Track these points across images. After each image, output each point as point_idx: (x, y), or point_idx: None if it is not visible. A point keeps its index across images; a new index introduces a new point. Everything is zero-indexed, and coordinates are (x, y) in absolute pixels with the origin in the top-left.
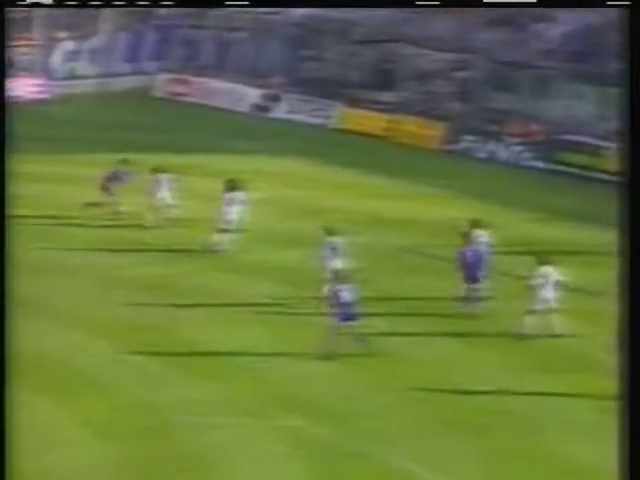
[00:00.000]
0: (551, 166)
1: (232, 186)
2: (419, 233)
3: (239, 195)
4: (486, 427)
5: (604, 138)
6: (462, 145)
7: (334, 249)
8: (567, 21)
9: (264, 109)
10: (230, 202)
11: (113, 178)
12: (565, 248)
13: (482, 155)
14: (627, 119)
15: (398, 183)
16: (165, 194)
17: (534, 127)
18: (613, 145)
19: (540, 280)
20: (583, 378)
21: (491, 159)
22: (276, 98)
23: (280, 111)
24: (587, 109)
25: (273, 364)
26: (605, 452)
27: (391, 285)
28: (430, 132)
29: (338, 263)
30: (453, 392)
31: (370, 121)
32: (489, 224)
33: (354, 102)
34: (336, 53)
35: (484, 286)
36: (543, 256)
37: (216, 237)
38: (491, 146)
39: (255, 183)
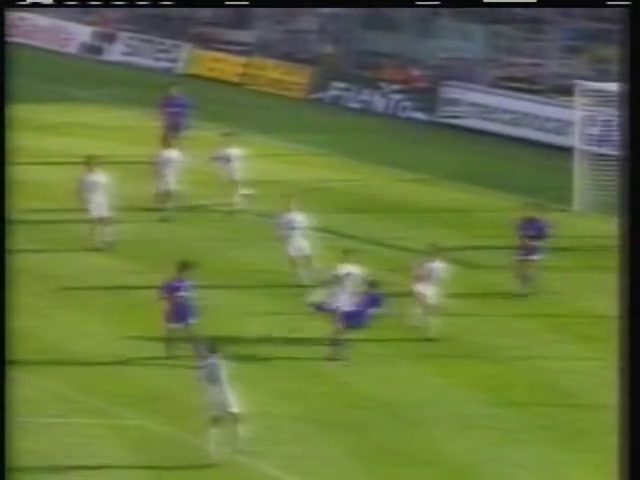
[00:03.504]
0: (435, 118)
1: None
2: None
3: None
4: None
5: (495, 85)
6: (331, 93)
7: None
8: None
9: (96, 50)
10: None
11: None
12: (451, 213)
13: (355, 105)
14: (627, 120)
15: (257, 138)
16: None
17: (415, 72)
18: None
19: None
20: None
21: (365, 110)
22: (110, 37)
23: (115, 53)
24: (476, 51)
25: None
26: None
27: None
28: (294, 78)
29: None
30: None
31: (224, 65)
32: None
33: (204, 42)
34: None
35: None
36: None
37: None
38: (365, 95)
39: (88, 139)
